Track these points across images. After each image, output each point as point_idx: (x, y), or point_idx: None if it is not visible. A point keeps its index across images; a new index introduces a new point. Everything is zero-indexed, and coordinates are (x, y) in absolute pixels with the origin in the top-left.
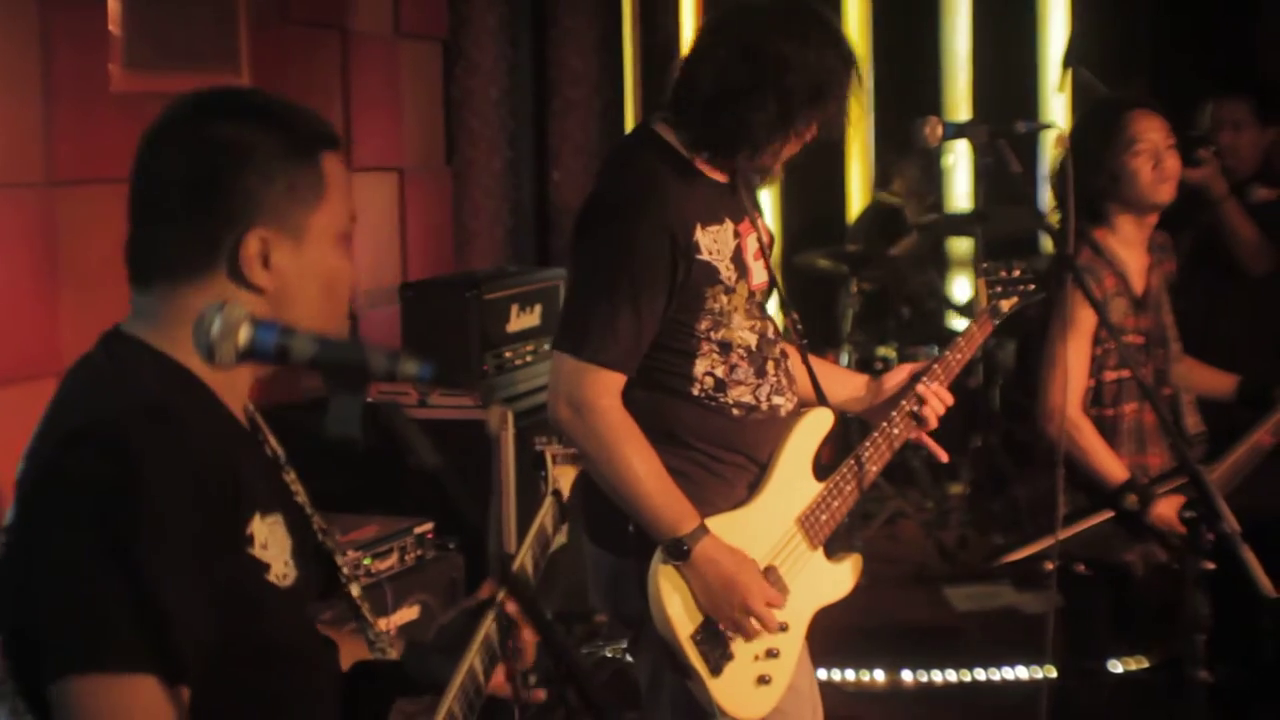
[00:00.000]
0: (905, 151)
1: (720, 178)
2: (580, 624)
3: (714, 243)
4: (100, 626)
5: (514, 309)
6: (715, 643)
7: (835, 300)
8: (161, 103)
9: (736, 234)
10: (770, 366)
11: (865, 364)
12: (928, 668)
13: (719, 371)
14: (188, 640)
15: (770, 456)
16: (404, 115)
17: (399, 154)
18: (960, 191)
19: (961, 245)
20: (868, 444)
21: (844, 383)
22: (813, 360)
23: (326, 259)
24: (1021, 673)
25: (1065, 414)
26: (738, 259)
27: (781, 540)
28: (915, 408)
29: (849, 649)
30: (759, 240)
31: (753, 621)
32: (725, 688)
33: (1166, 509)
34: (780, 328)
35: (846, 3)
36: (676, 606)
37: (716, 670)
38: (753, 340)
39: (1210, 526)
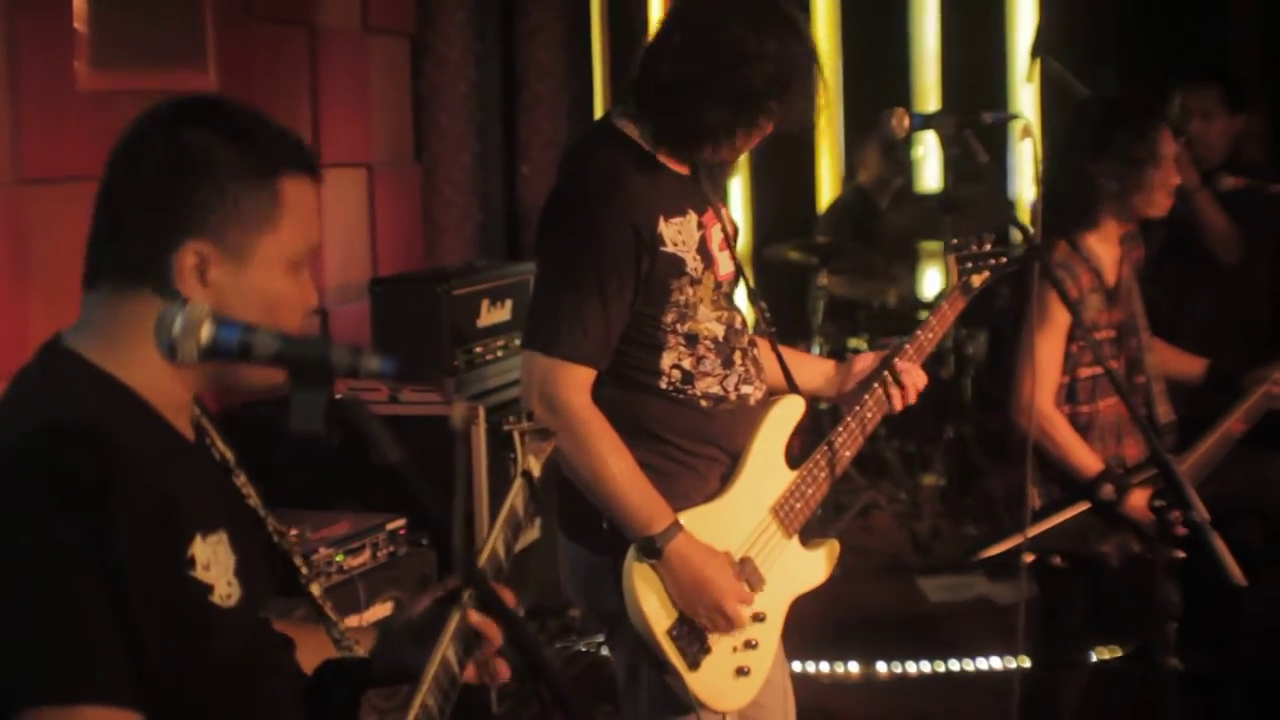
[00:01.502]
0: (865, 140)
1: (682, 169)
2: (553, 619)
3: (678, 234)
4: (45, 657)
5: (484, 304)
6: (692, 637)
7: (805, 292)
8: (129, 101)
9: (700, 225)
10: (737, 356)
11: (836, 356)
12: (902, 659)
13: (686, 364)
14: (131, 668)
15: (742, 446)
16: (372, 111)
17: (368, 150)
18: (930, 183)
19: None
20: (840, 429)
21: (814, 370)
22: (782, 349)
23: (271, 284)
24: (995, 663)
25: (1036, 407)
26: (703, 250)
27: (756, 530)
28: (888, 389)
29: (823, 640)
30: (723, 230)
31: (724, 619)
32: (704, 681)
33: (1141, 499)
34: (747, 318)
35: None
36: (652, 603)
37: (694, 664)
38: (720, 331)
39: (1181, 515)
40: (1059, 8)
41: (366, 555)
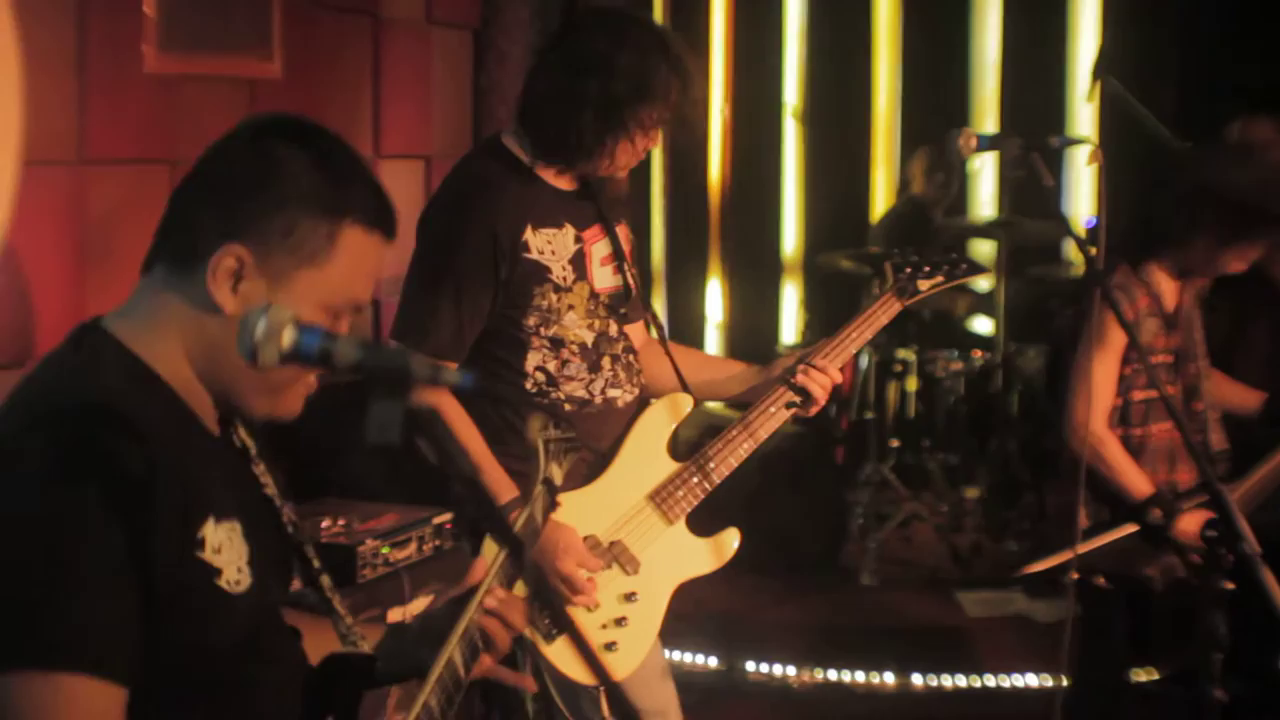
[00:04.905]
0: (914, 154)
1: (564, 184)
2: None
3: (547, 244)
4: (34, 622)
5: None
6: (547, 611)
7: (857, 301)
8: (194, 85)
9: (579, 239)
10: (606, 362)
11: (884, 365)
12: (938, 671)
13: (550, 366)
14: (123, 642)
15: (610, 444)
16: (433, 103)
17: (426, 142)
18: (984, 199)
19: (983, 250)
20: (737, 424)
21: (738, 378)
22: (710, 359)
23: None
24: (1032, 680)
25: (1089, 428)
26: (577, 261)
27: (627, 515)
28: (796, 385)
29: (859, 650)
30: (613, 246)
31: (566, 582)
32: (563, 654)
33: (1190, 525)
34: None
35: (877, 9)
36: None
37: (548, 638)
38: (589, 338)
39: (1230, 546)
40: (1122, 28)
41: (412, 548)
